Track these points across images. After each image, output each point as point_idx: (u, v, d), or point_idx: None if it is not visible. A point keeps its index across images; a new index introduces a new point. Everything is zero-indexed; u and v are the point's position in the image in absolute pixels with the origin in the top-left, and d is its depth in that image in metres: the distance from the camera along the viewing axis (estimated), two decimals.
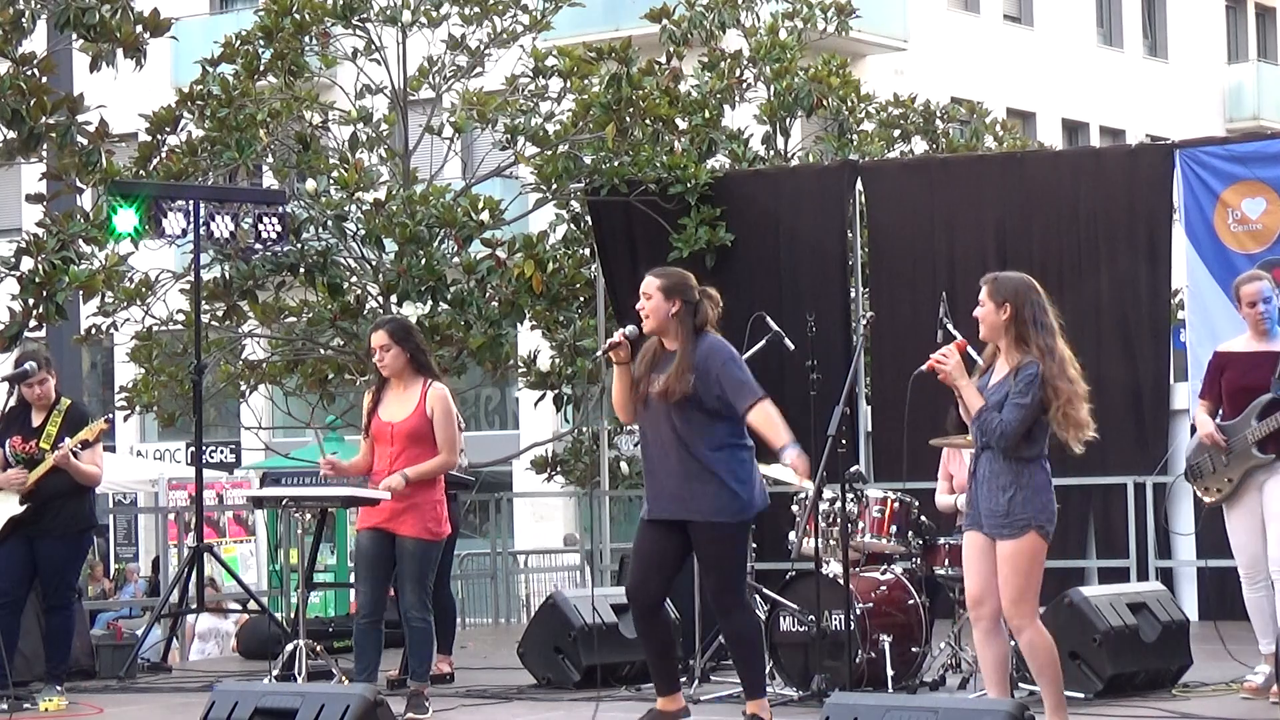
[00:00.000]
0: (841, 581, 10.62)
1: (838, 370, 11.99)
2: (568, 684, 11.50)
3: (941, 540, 11.25)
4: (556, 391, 19.72)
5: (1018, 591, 8.52)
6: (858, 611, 10.72)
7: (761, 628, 9.55)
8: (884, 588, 11.08)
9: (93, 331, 18.85)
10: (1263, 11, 47.28)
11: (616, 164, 17.40)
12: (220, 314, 18.77)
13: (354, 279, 18.83)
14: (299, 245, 17.85)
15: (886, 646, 10.79)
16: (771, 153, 20.57)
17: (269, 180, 20.96)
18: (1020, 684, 10.07)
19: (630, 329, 9.50)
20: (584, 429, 20.75)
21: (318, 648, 11.31)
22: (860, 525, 11.19)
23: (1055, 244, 15.89)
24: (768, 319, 11.78)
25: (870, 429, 16.39)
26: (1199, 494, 10.78)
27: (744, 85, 19.94)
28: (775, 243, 16.75)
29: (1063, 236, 15.90)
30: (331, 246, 18.28)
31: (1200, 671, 11.20)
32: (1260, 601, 10.47)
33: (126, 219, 14.13)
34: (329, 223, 18.22)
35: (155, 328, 19.18)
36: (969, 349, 8.86)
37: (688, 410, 9.24)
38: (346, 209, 18.35)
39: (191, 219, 14.00)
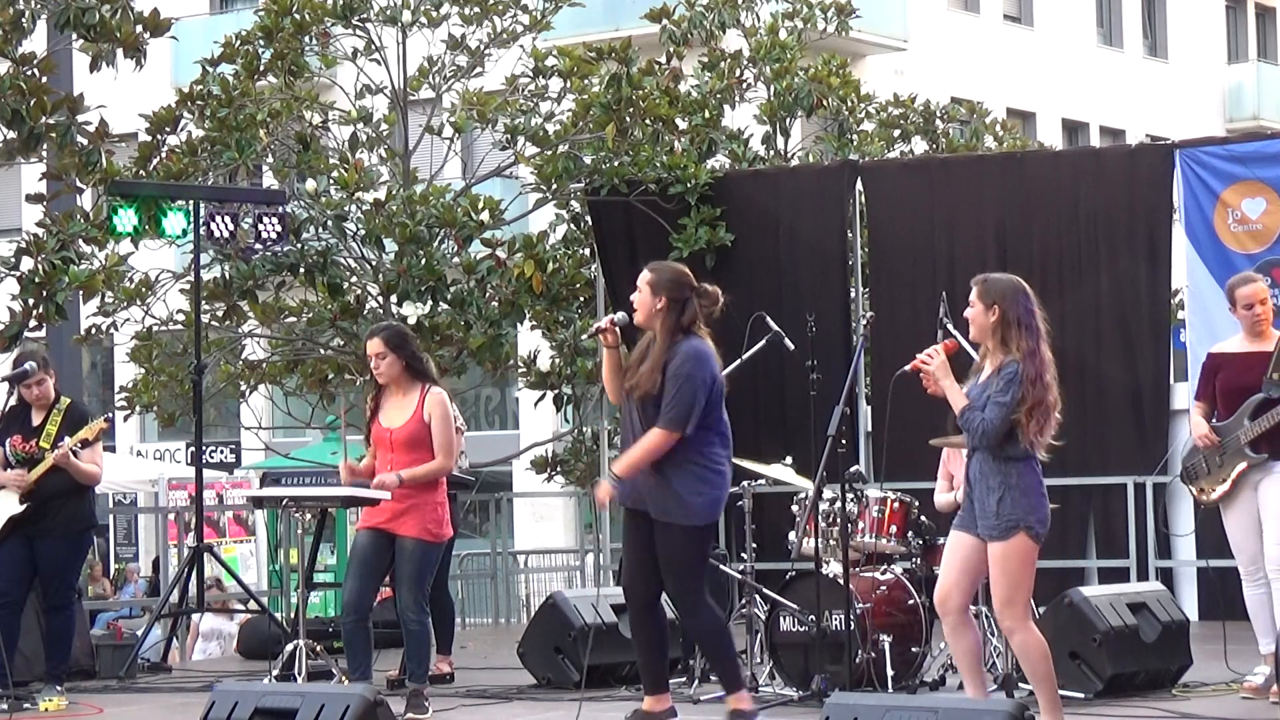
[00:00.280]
0: (841, 581, 10.62)
1: (838, 370, 11.98)
2: (568, 684, 11.46)
3: (941, 540, 11.22)
4: (556, 391, 19.70)
5: (1007, 593, 8.54)
6: (858, 611, 10.71)
7: (726, 624, 9.50)
8: (884, 588, 11.08)
9: (93, 331, 18.83)
10: (1263, 11, 47.26)
11: (616, 164, 17.39)
12: (220, 314, 18.75)
13: (354, 279, 18.82)
14: (299, 245, 17.84)
15: (886, 646, 10.79)
16: (771, 153, 20.55)
17: (269, 180, 20.94)
18: (1020, 684, 10.09)
19: (620, 315, 9.56)
20: (584, 429, 20.74)
21: (318, 648, 11.32)
22: (860, 525, 11.21)
23: (1055, 244, 15.86)
24: (768, 319, 11.78)
25: (870, 429, 16.39)
26: (1195, 495, 10.80)
27: (744, 85, 19.92)
28: (775, 243, 16.74)
29: (1063, 236, 15.88)
30: (331, 246, 18.27)
31: (1200, 671, 11.19)
32: (1261, 599, 10.48)
33: (127, 219, 14.13)
34: (329, 223, 18.21)
35: (155, 328, 19.15)
36: (969, 349, 8.87)
37: (652, 409, 9.25)
38: (346, 209, 18.34)
39: (191, 219, 14.01)
